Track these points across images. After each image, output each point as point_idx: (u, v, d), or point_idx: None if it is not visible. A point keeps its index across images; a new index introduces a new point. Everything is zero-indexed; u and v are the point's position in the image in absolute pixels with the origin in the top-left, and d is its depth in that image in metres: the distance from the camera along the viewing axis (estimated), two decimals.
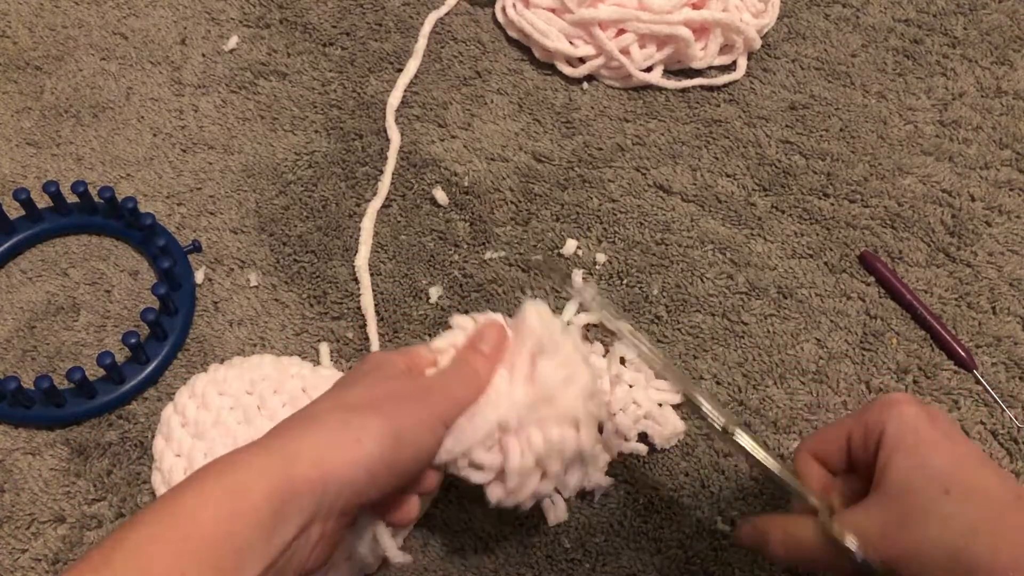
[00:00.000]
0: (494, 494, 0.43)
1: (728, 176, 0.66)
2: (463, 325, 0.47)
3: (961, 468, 0.37)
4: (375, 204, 0.63)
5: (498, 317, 0.46)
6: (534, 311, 0.44)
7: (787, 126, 0.68)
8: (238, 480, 0.34)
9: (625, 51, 0.68)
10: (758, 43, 0.70)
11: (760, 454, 0.42)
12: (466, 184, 0.65)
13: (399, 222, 0.63)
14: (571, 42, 0.69)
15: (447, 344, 0.46)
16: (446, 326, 0.58)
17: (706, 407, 0.44)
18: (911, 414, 0.39)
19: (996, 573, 0.35)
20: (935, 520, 0.36)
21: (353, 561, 0.47)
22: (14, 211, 0.60)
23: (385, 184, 0.64)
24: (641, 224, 0.63)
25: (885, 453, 0.38)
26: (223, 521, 0.33)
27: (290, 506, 0.34)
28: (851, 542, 0.37)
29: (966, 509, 0.36)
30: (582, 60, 0.69)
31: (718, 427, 0.43)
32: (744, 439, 0.43)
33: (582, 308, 0.59)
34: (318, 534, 0.36)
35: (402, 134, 0.67)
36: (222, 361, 0.56)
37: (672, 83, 0.69)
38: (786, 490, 0.42)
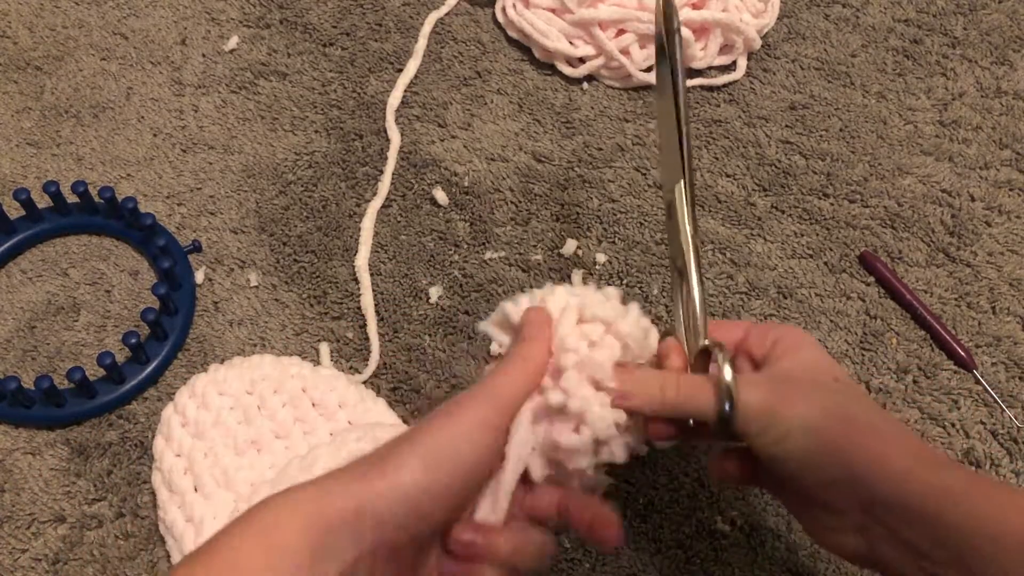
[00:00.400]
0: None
1: (728, 176, 0.66)
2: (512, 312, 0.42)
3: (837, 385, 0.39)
4: (375, 204, 0.63)
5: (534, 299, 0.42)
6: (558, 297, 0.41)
7: (787, 126, 0.68)
8: (273, 518, 0.33)
9: (625, 51, 0.68)
10: (758, 43, 0.70)
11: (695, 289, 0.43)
12: (466, 184, 0.65)
13: (399, 222, 0.63)
14: (571, 42, 0.69)
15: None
16: (447, 325, 0.58)
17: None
18: (798, 330, 0.42)
19: (874, 429, 0.37)
20: (821, 391, 0.38)
21: None
22: (14, 211, 0.60)
23: (385, 184, 0.64)
24: (641, 224, 0.63)
25: (782, 348, 0.40)
26: (258, 558, 0.32)
27: (327, 540, 0.33)
28: (727, 374, 0.37)
29: (850, 391, 0.39)
30: (582, 60, 0.69)
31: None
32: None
33: None
34: (368, 571, 0.34)
35: (402, 134, 0.67)
36: (222, 361, 0.56)
37: None
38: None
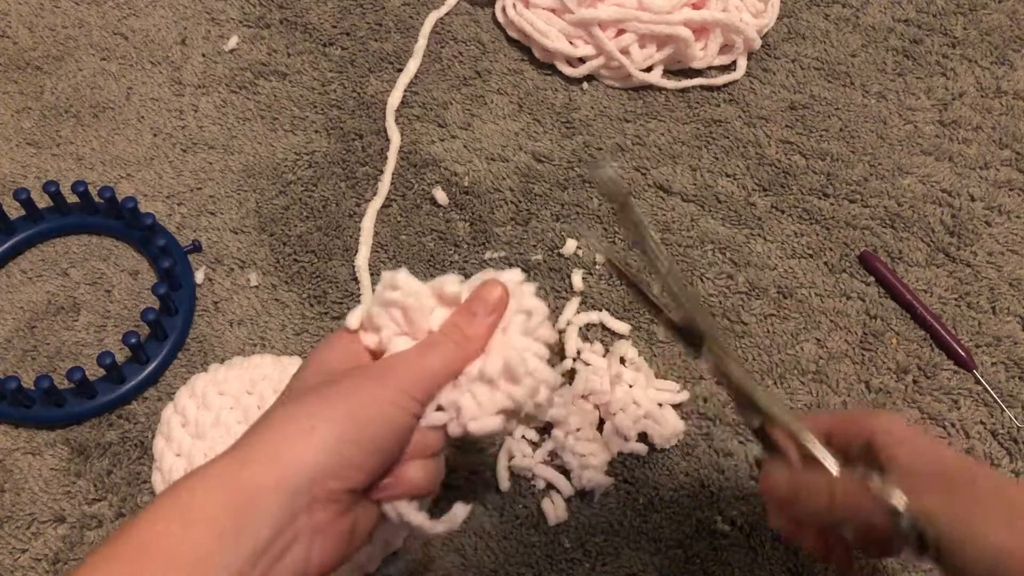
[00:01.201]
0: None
1: (728, 176, 0.66)
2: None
3: (955, 459, 0.38)
4: (375, 204, 0.63)
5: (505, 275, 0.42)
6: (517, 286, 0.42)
7: (787, 126, 0.68)
8: (191, 495, 0.34)
9: (625, 51, 0.68)
10: (758, 43, 0.70)
11: (780, 410, 0.42)
12: (466, 184, 0.65)
13: (399, 222, 0.63)
14: (571, 42, 0.69)
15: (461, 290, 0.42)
16: None
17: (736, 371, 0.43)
18: (898, 418, 0.40)
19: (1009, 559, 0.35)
20: (979, 508, 0.36)
21: (374, 543, 0.46)
22: (14, 211, 0.60)
23: (385, 184, 0.64)
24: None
25: (888, 445, 0.39)
26: (176, 534, 0.33)
27: (251, 510, 0.33)
28: (899, 499, 0.36)
29: (982, 499, 0.36)
30: (582, 60, 0.69)
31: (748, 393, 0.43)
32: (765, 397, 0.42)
33: (582, 308, 0.59)
34: (308, 528, 0.35)
35: (402, 134, 0.67)
36: (222, 361, 0.56)
37: (672, 83, 0.69)
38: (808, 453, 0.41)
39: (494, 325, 0.40)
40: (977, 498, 0.36)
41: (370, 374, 0.38)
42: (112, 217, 0.61)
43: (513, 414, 0.40)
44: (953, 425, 0.56)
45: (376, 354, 0.41)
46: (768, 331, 0.59)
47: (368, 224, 0.62)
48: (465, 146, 0.66)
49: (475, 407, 0.39)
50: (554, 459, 0.54)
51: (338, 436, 0.35)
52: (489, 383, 0.39)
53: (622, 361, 0.56)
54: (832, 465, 0.40)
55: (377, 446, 0.37)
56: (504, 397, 0.39)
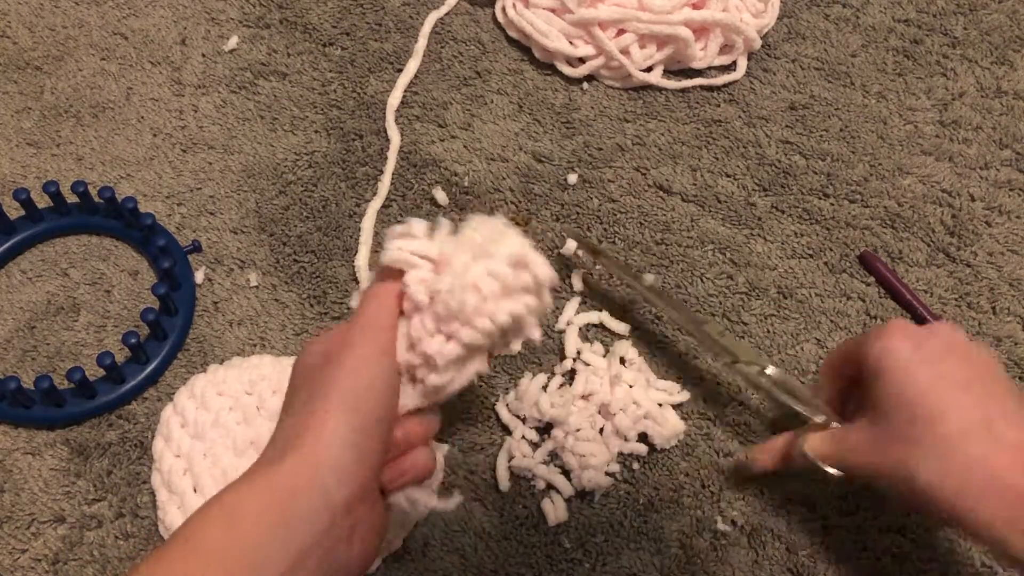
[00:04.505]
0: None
1: (728, 176, 0.66)
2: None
3: (930, 394, 0.41)
4: (375, 204, 0.63)
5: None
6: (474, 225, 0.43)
7: (787, 126, 0.68)
8: (237, 498, 0.35)
9: (625, 51, 0.68)
10: (758, 43, 0.70)
11: (773, 371, 0.50)
12: (466, 184, 0.65)
13: (399, 222, 0.63)
14: (571, 42, 0.69)
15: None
16: None
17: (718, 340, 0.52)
18: (897, 341, 0.43)
19: (940, 502, 0.39)
20: (896, 447, 0.41)
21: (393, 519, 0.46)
22: (14, 211, 0.60)
23: (385, 184, 0.64)
24: (641, 224, 0.63)
25: (868, 378, 0.43)
26: (224, 537, 0.33)
27: (293, 510, 0.34)
28: (810, 450, 0.46)
29: (924, 438, 0.40)
30: (582, 60, 0.69)
31: (729, 360, 0.51)
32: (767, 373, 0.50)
33: (581, 308, 0.59)
34: (348, 523, 0.36)
35: (402, 134, 0.67)
36: (222, 361, 0.56)
37: (672, 83, 0.69)
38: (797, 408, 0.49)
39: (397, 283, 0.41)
40: (924, 443, 0.40)
41: (342, 348, 0.39)
42: (112, 217, 0.61)
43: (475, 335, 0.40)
44: None
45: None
46: (768, 331, 0.59)
47: (368, 224, 0.62)
48: (465, 146, 0.66)
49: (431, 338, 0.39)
50: (554, 459, 0.54)
51: (348, 422, 0.36)
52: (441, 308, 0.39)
53: (622, 361, 0.56)
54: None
55: (380, 414, 0.37)
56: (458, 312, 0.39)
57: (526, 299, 0.41)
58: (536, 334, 0.42)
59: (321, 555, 0.34)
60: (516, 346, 0.43)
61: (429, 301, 0.40)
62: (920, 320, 0.59)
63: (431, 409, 0.42)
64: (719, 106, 0.69)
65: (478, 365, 0.42)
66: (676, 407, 0.55)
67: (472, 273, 0.39)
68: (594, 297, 0.60)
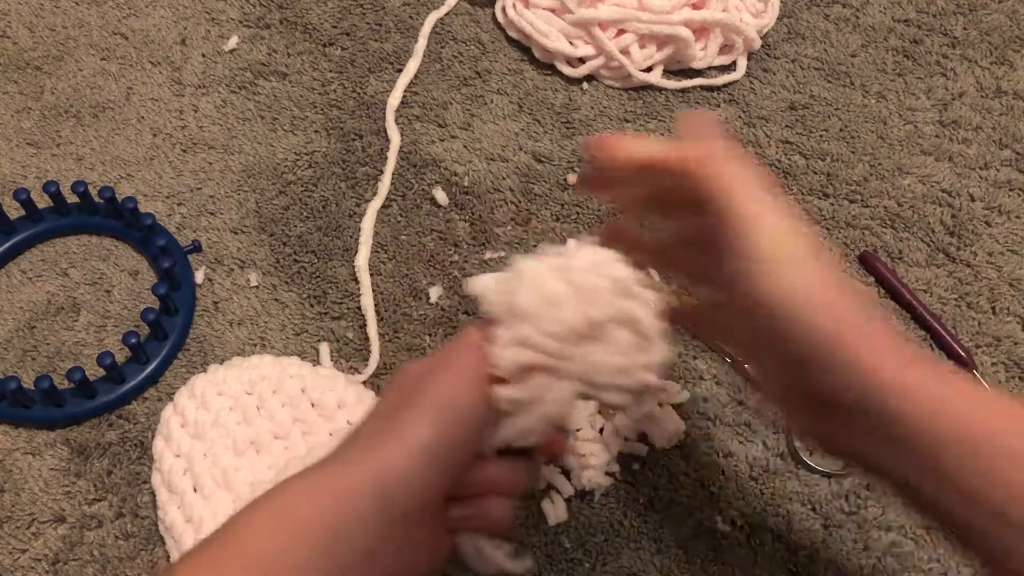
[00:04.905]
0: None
1: None
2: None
3: (768, 216, 0.37)
4: (375, 204, 0.63)
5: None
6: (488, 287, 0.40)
7: (787, 126, 0.68)
8: (290, 499, 0.33)
9: (625, 51, 0.68)
10: (758, 43, 0.70)
11: None
12: (466, 184, 0.65)
13: (399, 222, 0.63)
14: (571, 42, 0.69)
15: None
16: (447, 325, 0.58)
17: None
18: (733, 165, 0.38)
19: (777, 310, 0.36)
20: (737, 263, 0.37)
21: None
22: (14, 211, 0.60)
23: (385, 184, 0.64)
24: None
25: (693, 196, 0.39)
26: (274, 541, 0.32)
27: (348, 518, 0.33)
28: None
29: (765, 257, 0.36)
30: (582, 60, 0.69)
31: None
32: None
33: None
34: (402, 537, 0.34)
35: (402, 134, 0.67)
36: (222, 361, 0.56)
37: (672, 83, 0.69)
38: None
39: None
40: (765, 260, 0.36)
41: (437, 369, 0.37)
42: (112, 217, 0.61)
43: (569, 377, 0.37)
44: None
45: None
46: None
47: (368, 224, 0.62)
48: (465, 146, 0.66)
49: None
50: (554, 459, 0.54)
51: (425, 438, 0.34)
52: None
53: None
54: None
55: (460, 434, 0.36)
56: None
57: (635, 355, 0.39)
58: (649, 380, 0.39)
59: (371, 567, 0.33)
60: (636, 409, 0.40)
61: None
62: (920, 320, 0.59)
63: (527, 461, 0.40)
64: (719, 106, 0.69)
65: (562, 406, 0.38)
66: (676, 407, 0.55)
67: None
68: None
